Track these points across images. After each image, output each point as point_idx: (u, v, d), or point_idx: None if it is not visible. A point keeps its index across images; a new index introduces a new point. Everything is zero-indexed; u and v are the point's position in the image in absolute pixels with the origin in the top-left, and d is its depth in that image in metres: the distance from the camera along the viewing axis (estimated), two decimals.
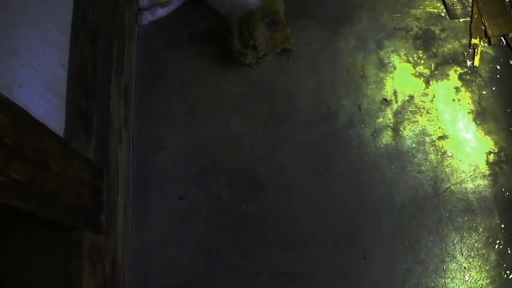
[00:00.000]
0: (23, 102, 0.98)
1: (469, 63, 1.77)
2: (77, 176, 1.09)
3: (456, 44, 1.79)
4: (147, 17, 1.73)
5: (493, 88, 1.74)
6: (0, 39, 0.93)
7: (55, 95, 1.14)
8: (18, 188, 0.79)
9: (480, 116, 1.71)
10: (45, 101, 1.09)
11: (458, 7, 1.83)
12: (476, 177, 1.65)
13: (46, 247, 1.11)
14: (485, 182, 1.65)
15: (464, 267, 1.57)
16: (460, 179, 1.64)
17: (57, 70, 1.16)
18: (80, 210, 1.11)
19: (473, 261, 1.58)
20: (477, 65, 1.76)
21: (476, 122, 1.70)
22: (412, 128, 1.69)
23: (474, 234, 1.60)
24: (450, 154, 1.66)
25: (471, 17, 1.82)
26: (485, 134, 1.69)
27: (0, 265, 1.09)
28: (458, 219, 1.61)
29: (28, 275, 1.10)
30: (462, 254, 1.58)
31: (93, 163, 1.23)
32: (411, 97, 1.72)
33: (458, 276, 1.56)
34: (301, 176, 1.62)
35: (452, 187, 1.64)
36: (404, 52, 1.77)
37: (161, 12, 1.73)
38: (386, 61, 1.75)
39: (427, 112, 1.70)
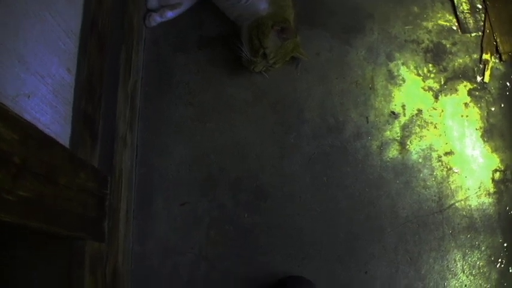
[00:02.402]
0: (30, 113, 0.96)
1: (479, 78, 1.75)
2: (82, 186, 1.07)
3: (467, 59, 1.77)
4: (156, 19, 1.69)
5: (502, 105, 1.72)
6: (7, 47, 0.91)
7: (62, 102, 1.11)
8: (27, 206, 0.77)
9: (488, 133, 1.70)
10: (52, 109, 1.07)
11: (471, 21, 1.80)
12: (481, 194, 1.64)
13: (48, 257, 1.10)
14: (490, 200, 1.64)
15: (465, 285, 1.57)
16: (464, 196, 1.63)
17: (65, 76, 1.13)
18: (85, 221, 1.10)
19: (474, 279, 1.58)
20: (487, 81, 1.74)
21: (483, 139, 1.69)
22: (419, 142, 1.67)
23: (476, 252, 1.59)
24: (456, 170, 1.65)
25: (483, 32, 1.79)
26: (492, 152, 1.68)
27: (4, 273, 1.08)
28: (461, 237, 1.60)
29: (31, 284, 1.09)
30: (463, 272, 1.58)
31: (98, 171, 1.21)
32: (419, 111, 1.70)
33: None
34: (306, 187, 1.61)
35: (456, 204, 1.63)
36: (415, 65, 1.75)
37: (170, 14, 1.69)
38: (396, 74, 1.73)
39: (435, 127, 1.69)
